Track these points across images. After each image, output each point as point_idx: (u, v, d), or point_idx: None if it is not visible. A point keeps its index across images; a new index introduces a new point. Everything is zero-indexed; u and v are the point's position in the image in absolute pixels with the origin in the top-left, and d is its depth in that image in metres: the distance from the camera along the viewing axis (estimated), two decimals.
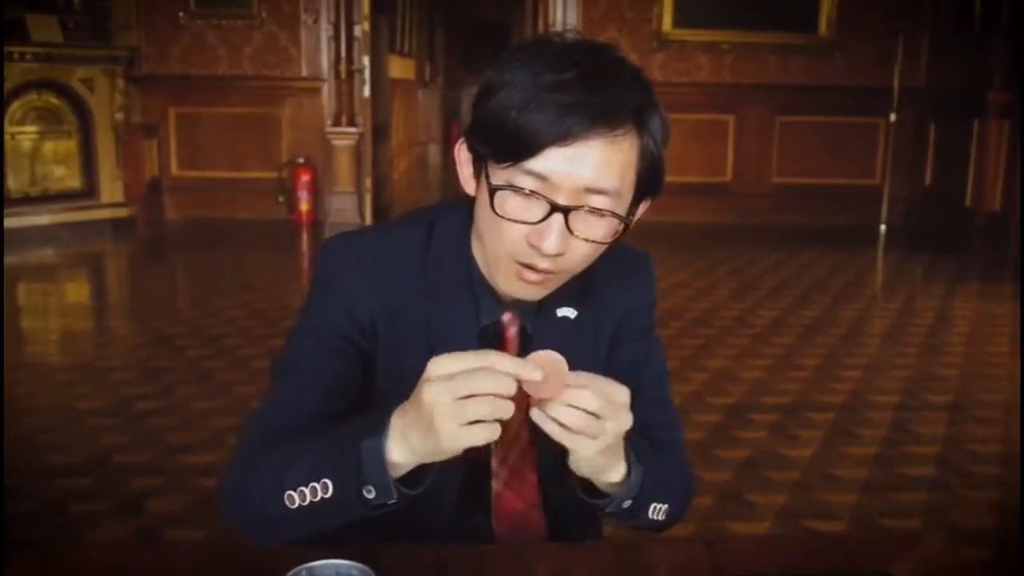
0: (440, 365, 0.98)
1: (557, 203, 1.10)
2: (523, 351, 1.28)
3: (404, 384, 1.26)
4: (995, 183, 7.59)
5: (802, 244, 7.89)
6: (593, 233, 1.13)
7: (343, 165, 8.15)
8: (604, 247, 1.17)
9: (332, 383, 1.23)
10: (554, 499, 1.37)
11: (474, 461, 1.30)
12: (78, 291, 6.43)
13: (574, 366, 1.30)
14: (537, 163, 1.09)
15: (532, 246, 1.12)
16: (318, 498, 1.04)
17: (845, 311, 5.82)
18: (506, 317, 1.29)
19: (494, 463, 1.33)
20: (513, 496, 1.35)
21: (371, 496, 1.02)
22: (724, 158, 8.88)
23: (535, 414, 1.05)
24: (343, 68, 8.01)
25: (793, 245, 7.85)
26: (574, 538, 1.37)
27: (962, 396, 4.34)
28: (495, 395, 0.96)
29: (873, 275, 7.33)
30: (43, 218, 6.94)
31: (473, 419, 0.97)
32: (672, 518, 1.24)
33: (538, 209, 1.10)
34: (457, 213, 1.28)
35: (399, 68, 11.43)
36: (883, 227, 8.40)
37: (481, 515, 1.34)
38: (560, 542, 1.32)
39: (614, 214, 1.13)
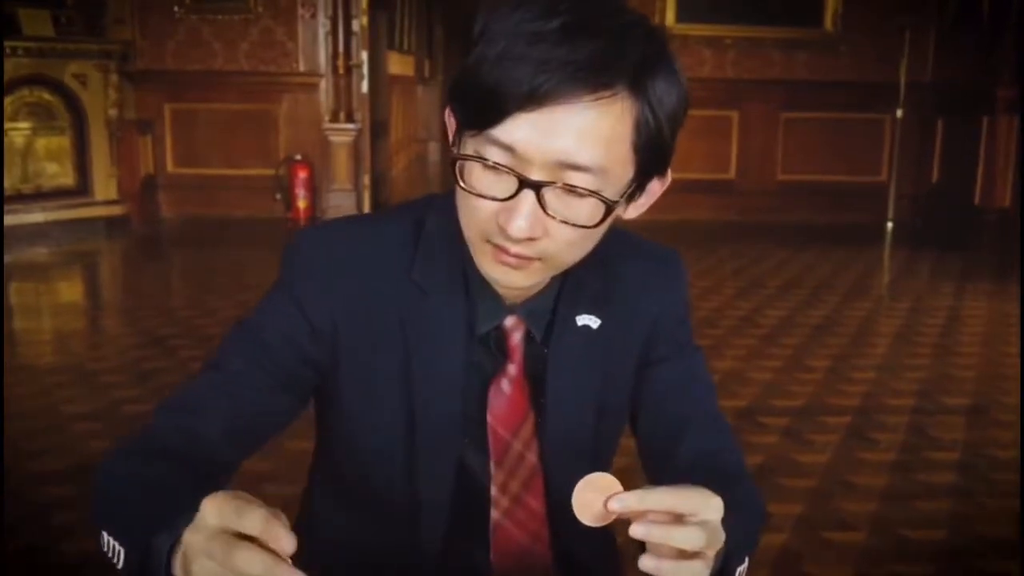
0: (203, 514, 0.73)
1: (527, 178, 0.92)
2: (530, 362, 1.14)
3: (371, 402, 1.12)
4: (1004, 180, 7.48)
5: (807, 242, 7.76)
6: (574, 215, 0.95)
7: (341, 162, 8.02)
8: (596, 233, 0.99)
9: (250, 395, 1.06)
10: (565, 531, 1.19)
11: (469, 487, 1.16)
12: (71, 290, 6.29)
13: (599, 382, 1.16)
14: (503, 131, 0.92)
15: (501, 227, 0.95)
16: (114, 559, 0.87)
17: (854, 310, 5.69)
18: (509, 321, 1.12)
19: (493, 490, 1.16)
20: (515, 527, 1.18)
21: None
22: (728, 155, 8.75)
23: (646, 564, 0.82)
24: (341, 63, 7.88)
25: (798, 243, 7.72)
26: None
27: (980, 398, 4.21)
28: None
29: (880, 273, 7.20)
30: (36, 216, 6.80)
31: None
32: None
33: (507, 184, 0.94)
34: (452, 202, 1.08)
35: (398, 64, 11.30)
36: (890, 224, 8.28)
37: (478, 549, 1.18)
38: None
39: (595, 194, 0.94)
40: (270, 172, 8.10)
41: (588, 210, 0.95)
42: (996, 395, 4.26)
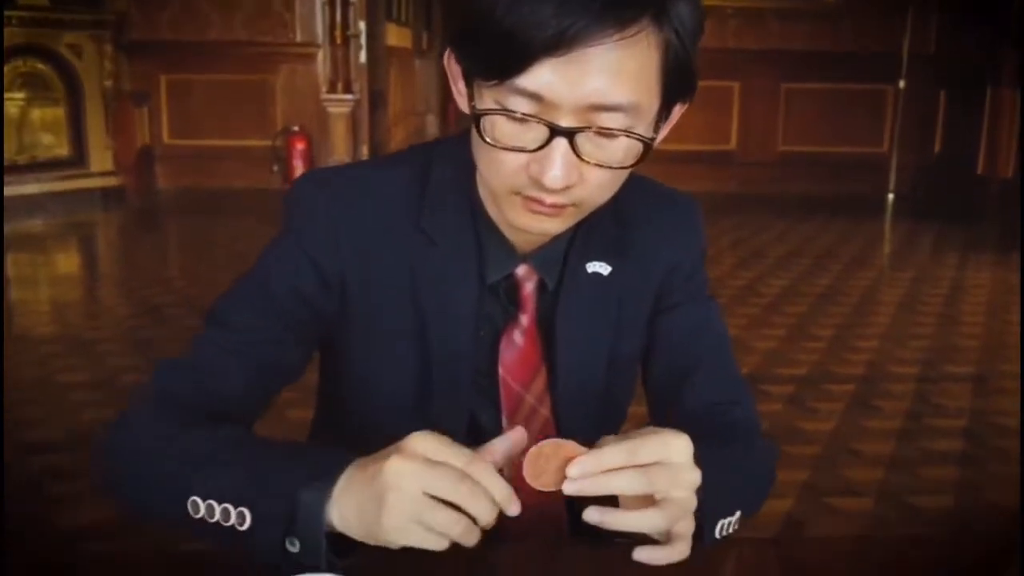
0: (424, 443, 0.80)
1: (558, 126, 0.87)
2: (542, 312, 1.09)
3: (382, 356, 1.08)
4: (1007, 150, 7.41)
5: (808, 213, 7.71)
6: (609, 157, 0.91)
7: (339, 133, 7.94)
8: (627, 173, 0.95)
9: (263, 350, 1.03)
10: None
11: (479, 443, 1.11)
12: (67, 261, 6.24)
13: (610, 331, 1.12)
14: (528, 79, 0.86)
15: (534, 179, 0.91)
16: (229, 523, 0.84)
17: (856, 280, 5.66)
18: (521, 271, 1.07)
19: None
20: (526, 483, 1.14)
21: (294, 550, 0.83)
22: (728, 125, 8.68)
23: (590, 516, 0.87)
24: (339, 33, 7.78)
25: (799, 214, 7.67)
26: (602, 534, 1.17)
27: (984, 367, 4.18)
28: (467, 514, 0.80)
29: (882, 244, 7.16)
30: (31, 187, 6.73)
31: (431, 527, 0.79)
32: (747, 517, 0.99)
33: (536, 134, 0.89)
34: (461, 147, 1.03)
35: (396, 36, 11.18)
36: (891, 196, 8.23)
37: None
38: (584, 539, 1.07)
39: (631, 134, 0.90)
40: (267, 143, 8.02)
41: (623, 149, 0.91)
42: (999, 363, 4.23)
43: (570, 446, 0.84)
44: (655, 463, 0.85)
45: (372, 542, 0.81)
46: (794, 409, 3.64)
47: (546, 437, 1.11)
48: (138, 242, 6.74)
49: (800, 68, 8.49)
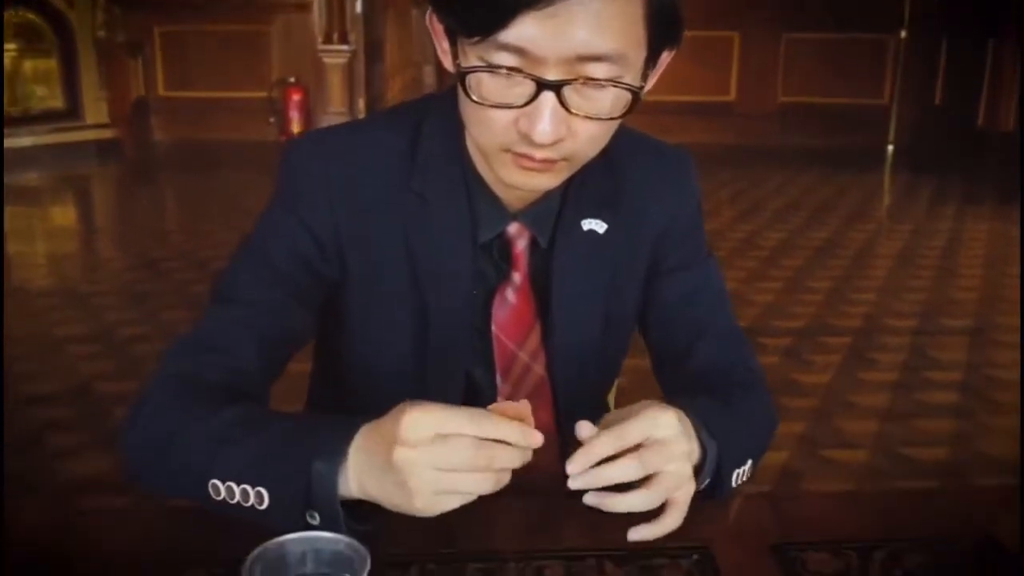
0: (423, 422, 0.79)
1: (544, 79, 0.85)
2: (536, 269, 1.08)
3: (380, 316, 1.07)
4: (1009, 102, 7.36)
5: (807, 165, 7.66)
6: (597, 108, 0.89)
7: (335, 84, 7.87)
8: (616, 124, 0.94)
9: (271, 320, 1.02)
10: (574, 443, 1.16)
11: (474, 401, 1.11)
12: (63, 215, 6.22)
13: (606, 289, 1.11)
14: (511, 34, 0.84)
15: (523, 134, 0.89)
16: (248, 503, 0.86)
17: (854, 233, 5.64)
18: (512, 228, 1.06)
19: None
20: None
21: (315, 522, 0.84)
22: (728, 76, 8.60)
23: (589, 500, 0.91)
24: None
25: (798, 166, 7.62)
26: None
27: (980, 320, 4.19)
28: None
29: (881, 196, 7.13)
30: (25, 139, 6.67)
31: (463, 492, 0.81)
32: (756, 463, 1.03)
33: (523, 89, 0.87)
34: (451, 104, 1.01)
35: None
36: (890, 147, 8.18)
37: None
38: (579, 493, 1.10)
39: (619, 83, 0.88)
40: (263, 95, 7.95)
41: (611, 100, 0.89)
42: (996, 316, 4.23)
43: (510, 409, 0.84)
44: (645, 443, 0.88)
45: (398, 510, 0.83)
46: (791, 362, 3.65)
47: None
48: (134, 195, 6.71)
49: (801, 18, 8.38)
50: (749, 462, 1.01)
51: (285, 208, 1.05)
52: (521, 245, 1.07)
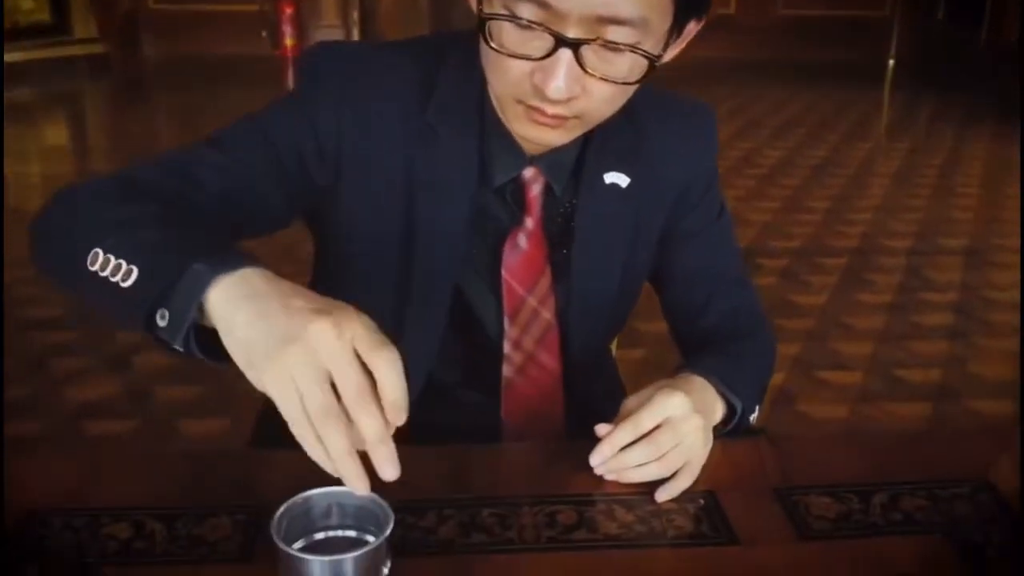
0: (361, 329, 0.71)
1: (564, 36, 0.85)
2: (549, 217, 1.09)
3: (367, 235, 1.06)
4: (1014, 13, 7.25)
5: (807, 80, 7.59)
6: (613, 71, 0.88)
7: None
8: (631, 89, 0.93)
9: (246, 183, 0.99)
10: (580, 390, 1.19)
11: (481, 344, 1.14)
12: (56, 133, 6.15)
13: (627, 243, 1.12)
14: None
15: (537, 87, 0.89)
16: (115, 279, 0.78)
17: (854, 151, 5.62)
18: (528, 173, 1.06)
19: (506, 346, 1.13)
20: (527, 385, 1.15)
21: (162, 323, 0.76)
22: None
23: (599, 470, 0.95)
24: None
25: (798, 81, 7.55)
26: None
27: (977, 240, 4.21)
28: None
29: (880, 114, 7.08)
30: (14, 55, 6.55)
31: (307, 406, 0.69)
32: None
33: (542, 43, 0.87)
34: (477, 42, 0.98)
35: None
36: (891, 62, 8.09)
37: (490, 405, 1.16)
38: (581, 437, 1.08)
39: (636, 49, 0.87)
40: (255, 8, 7.80)
41: (628, 65, 0.89)
42: (993, 237, 4.25)
43: None
44: (659, 426, 0.94)
45: (240, 365, 0.73)
46: (787, 283, 3.68)
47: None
48: (127, 111, 6.63)
49: None
50: (759, 405, 1.09)
51: (297, 101, 1.04)
52: (535, 190, 1.07)
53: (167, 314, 0.75)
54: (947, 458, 1.02)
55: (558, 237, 1.10)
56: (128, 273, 0.78)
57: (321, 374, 0.68)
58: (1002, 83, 7.02)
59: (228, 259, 0.75)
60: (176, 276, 0.75)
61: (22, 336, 3.01)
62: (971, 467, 0.99)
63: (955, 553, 0.86)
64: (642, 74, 0.90)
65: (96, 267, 0.80)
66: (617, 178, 1.08)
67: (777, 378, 2.91)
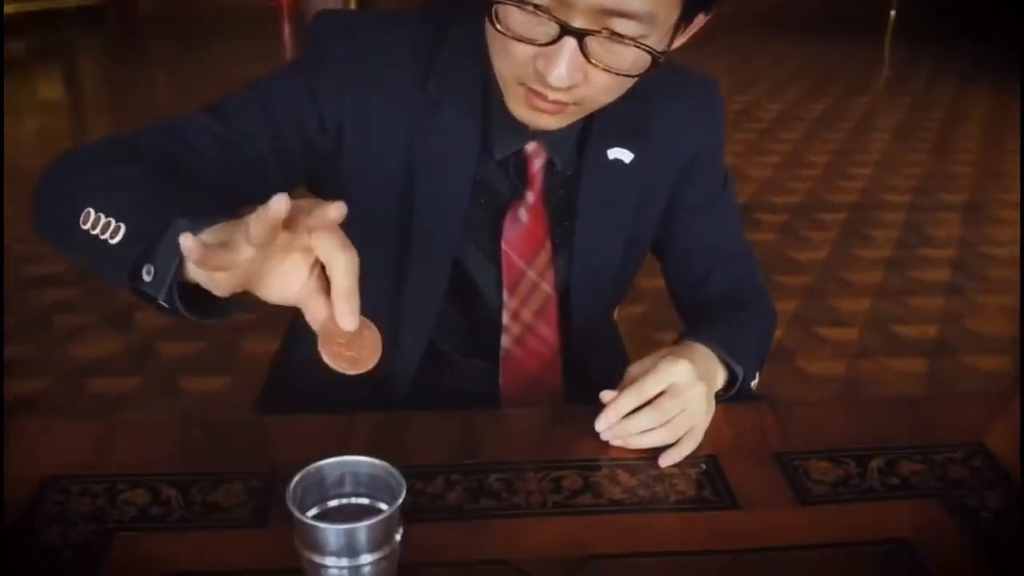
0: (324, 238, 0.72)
1: (569, 25, 0.85)
2: (550, 191, 1.09)
3: (367, 207, 1.04)
4: None
5: (807, 32, 7.54)
6: (617, 63, 0.88)
7: None
8: (633, 79, 0.93)
9: (245, 155, 1.00)
10: (578, 360, 1.21)
11: (480, 316, 1.15)
12: (51, 88, 6.11)
13: (630, 218, 1.13)
14: None
15: (539, 73, 0.89)
16: (104, 236, 0.80)
17: (854, 104, 5.61)
18: (530, 147, 1.06)
19: (505, 317, 1.14)
20: (525, 355, 1.17)
21: (147, 278, 0.77)
22: None
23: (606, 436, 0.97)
24: None
25: (797, 33, 7.50)
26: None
27: (977, 195, 4.21)
28: None
29: (881, 67, 7.04)
30: (8, 7, 6.49)
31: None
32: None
33: (547, 29, 0.86)
34: (482, 17, 0.97)
35: None
36: (892, 13, 8.02)
37: (488, 375, 1.18)
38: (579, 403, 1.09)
39: (640, 45, 0.87)
40: None
41: (632, 57, 0.88)
42: (994, 192, 4.25)
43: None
44: (663, 393, 0.95)
45: (237, 290, 0.74)
46: (787, 238, 3.69)
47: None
48: (122, 64, 6.59)
49: None
50: (759, 371, 1.12)
51: (300, 71, 1.04)
52: (537, 164, 1.08)
53: (152, 269, 0.77)
54: (944, 422, 1.04)
55: (559, 210, 1.10)
56: (116, 230, 0.79)
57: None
58: (1004, 34, 6.97)
59: (213, 215, 0.76)
60: (159, 233, 0.76)
61: (23, 294, 3.02)
62: (968, 431, 1.01)
63: (950, 516, 0.88)
64: (645, 68, 0.90)
65: (88, 226, 0.81)
66: (621, 154, 1.09)
67: (775, 335, 2.93)
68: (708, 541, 0.85)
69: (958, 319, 3.08)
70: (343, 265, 0.71)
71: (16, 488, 0.88)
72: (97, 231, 0.80)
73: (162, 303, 0.76)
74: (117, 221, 0.80)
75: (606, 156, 1.08)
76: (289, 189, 1.05)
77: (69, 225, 0.83)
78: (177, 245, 0.70)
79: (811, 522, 0.88)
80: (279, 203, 0.66)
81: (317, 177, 1.11)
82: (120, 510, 0.86)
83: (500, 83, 0.97)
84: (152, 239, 0.77)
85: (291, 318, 1.37)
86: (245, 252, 0.69)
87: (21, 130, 5.03)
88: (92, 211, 0.82)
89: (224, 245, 0.69)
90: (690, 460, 0.96)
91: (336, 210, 0.69)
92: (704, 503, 0.90)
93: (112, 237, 0.79)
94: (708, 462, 0.96)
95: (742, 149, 4.71)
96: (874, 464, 0.96)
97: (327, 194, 1.12)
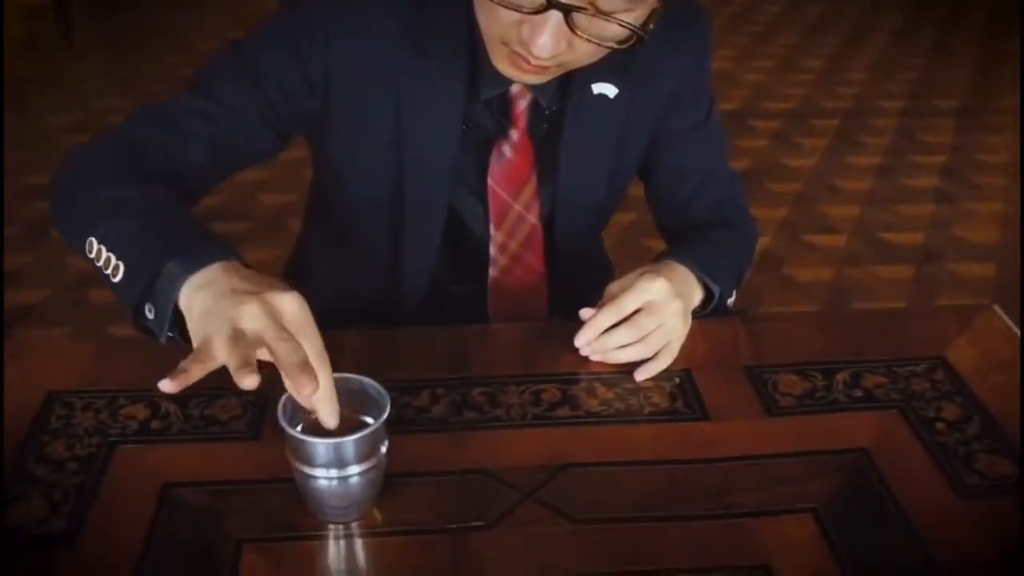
0: (292, 309, 0.78)
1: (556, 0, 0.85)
2: (535, 126, 1.11)
3: (360, 156, 1.11)
4: None
5: None
6: (600, 34, 0.89)
7: None
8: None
9: (234, 126, 1.03)
10: (564, 283, 1.25)
11: (468, 250, 1.19)
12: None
13: (614, 151, 1.15)
14: None
15: (523, 40, 0.89)
16: (107, 272, 0.86)
17: (851, 7, 5.52)
18: (515, 88, 1.07)
19: (492, 249, 1.18)
20: (513, 283, 1.22)
21: (150, 315, 0.84)
22: None
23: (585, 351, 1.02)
24: None
25: None
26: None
27: (972, 100, 4.19)
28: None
29: None
30: None
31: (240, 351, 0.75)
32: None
33: None
34: None
35: None
36: None
37: (477, 297, 1.23)
38: (563, 320, 1.17)
39: (624, 23, 0.87)
40: None
41: (616, 30, 0.89)
42: (989, 98, 4.23)
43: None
44: (640, 310, 0.99)
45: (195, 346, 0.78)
46: (779, 145, 3.70)
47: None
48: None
49: None
50: (736, 290, 1.16)
51: (282, 31, 1.04)
52: (523, 104, 1.09)
53: (153, 308, 0.84)
54: (910, 336, 1.08)
55: (544, 145, 1.12)
56: (116, 269, 0.86)
57: (255, 341, 0.76)
58: None
59: (203, 254, 0.82)
60: (154, 276, 0.82)
61: (22, 203, 3.04)
62: (932, 345, 1.05)
63: (908, 427, 0.93)
64: (627, 43, 0.91)
65: (92, 255, 0.88)
66: (605, 88, 1.10)
67: (764, 242, 2.96)
68: (679, 451, 0.90)
69: (946, 226, 3.12)
70: (324, 376, 0.77)
71: (21, 401, 0.93)
72: (100, 264, 0.88)
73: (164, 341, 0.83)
74: (117, 259, 0.86)
75: (590, 91, 1.10)
76: (282, 147, 1.09)
77: (80, 247, 0.90)
78: (170, 290, 0.80)
79: (777, 432, 0.93)
80: (248, 383, 0.73)
81: (312, 130, 1.14)
82: (122, 424, 0.91)
83: (484, 38, 0.97)
84: (149, 282, 0.83)
85: (295, 239, 1.40)
86: (219, 361, 0.76)
87: (7, 37, 4.94)
88: (95, 241, 0.88)
89: (199, 353, 0.75)
90: (665, 374, 1.00)
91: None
92: (676, 415, 0.95)
93: (114, 275, 0.86)
94: (682, 376, 1.00)
95: (736, 54, 4.67)
96: (840, 377, 1.00)
97: (321, 148, 1.14)
